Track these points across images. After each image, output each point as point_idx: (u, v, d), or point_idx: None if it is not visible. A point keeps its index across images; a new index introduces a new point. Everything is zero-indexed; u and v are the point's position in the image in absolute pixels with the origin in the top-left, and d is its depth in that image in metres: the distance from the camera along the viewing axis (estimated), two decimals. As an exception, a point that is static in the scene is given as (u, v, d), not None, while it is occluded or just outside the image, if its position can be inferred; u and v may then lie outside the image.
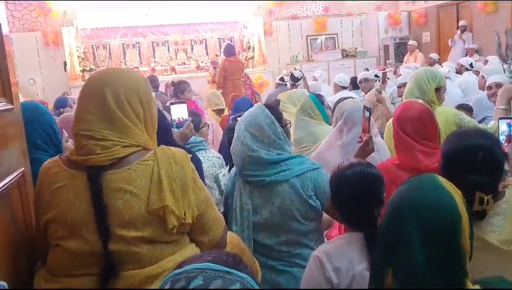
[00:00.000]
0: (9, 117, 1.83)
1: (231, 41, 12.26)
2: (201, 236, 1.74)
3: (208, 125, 3.93)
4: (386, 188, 1.95)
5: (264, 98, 8.55)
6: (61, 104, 6.50)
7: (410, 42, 12.13)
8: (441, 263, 1.19)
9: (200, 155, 3.12)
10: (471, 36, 11.34)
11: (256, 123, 2.40)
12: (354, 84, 7.82)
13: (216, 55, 12.37)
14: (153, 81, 7.96)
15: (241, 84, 9.09)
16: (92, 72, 2.08)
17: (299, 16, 13.62)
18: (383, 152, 2.89)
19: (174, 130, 2.92)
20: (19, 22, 11.37)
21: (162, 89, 8.42)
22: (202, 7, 11.80)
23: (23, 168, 1.86)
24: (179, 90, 6.38)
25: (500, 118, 2.66)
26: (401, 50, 12.96)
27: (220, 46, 12.65)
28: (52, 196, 1.59)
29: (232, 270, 0.99)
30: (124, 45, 12.16)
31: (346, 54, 13.45)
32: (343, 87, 7.37)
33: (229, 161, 2.81)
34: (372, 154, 2.73)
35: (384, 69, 11.23)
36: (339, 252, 1.86)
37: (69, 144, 2.58)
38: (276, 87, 8.86)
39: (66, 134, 2.64)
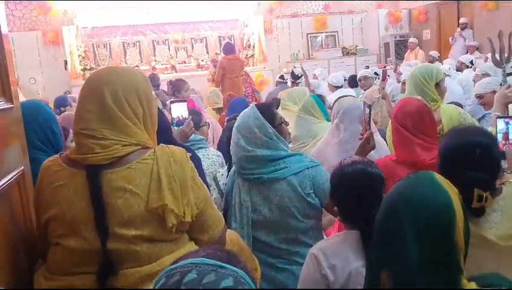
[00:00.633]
0: (8, 116, 1.83)
1: (231, 39, 12.26)
2: (200, 234, 1.74)
3: (208, 123, 3.93)
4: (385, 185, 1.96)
5: (265, 96, 8.56)
6: (61, 103, 6.52)
7: (411, 40, 12.12)
8: (434, 260, 1.19)
9: (200, 153, 3.13)
10: (472, 33, 11.33)
11: (246, 126, 2.43)
12: (353, 82, 7.84)
13: (216, 54, 12.37)
14: (154, 80, 7.96)
15: (240, 83, 9.07)
16: (93, 71, 2.09)
17: (300, 14, 13.61)
18: (381, 149, 2.90)
19: (174, 129, 2.92)
20: (20, 21, 11.39)
21: (163, 87, 8.41)
22: (202, 5, 11.80)
23: (22, 167, 1.87)
24: (176, 89, 6.38)
25: (498, 117, 2.66)
26: (401, 48, 12.96)
27: (221, 44, 12.63)
28: (52, 195, 1.60)
29: (225, 265, 1.01)
30: (125, 44, 12.17)
31: (346, 52, 13.43)
32: (337, 87, 7.39)
33: (228, 159, 2.82)
34: (374, 151, 2.75)
35: (385, 67, 11.26)
36: (335, 249, 1.87)
37: (73, 143, 2.59)
38: (276, 85, 8.87)
39: (72, 134, 2.65)
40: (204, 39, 12.72)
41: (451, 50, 11.40)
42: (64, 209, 1.56)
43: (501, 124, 2.58)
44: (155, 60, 12.20)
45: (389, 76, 7.55)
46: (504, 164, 2.33)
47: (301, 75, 8.00)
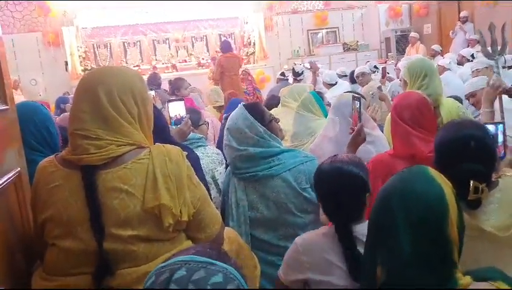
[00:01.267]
0: (4, 117, 1.83)
1: (231, 37, 12.26)
2: (198, 233, 1.74)
3: (207, 122, 3.92)
4: (382, 180, 1.95)
5: (266, 94, 8.55)
6: (63, 103, 6.53)
7: (412, 34, 12.08)
8: (427, 254, 1.19)
9: (199, 152, 3.12)
10: (473, 27, 11.29)
11: (236, 127, 2.45)
12: (352, 78, 7.84)
13: (217, 52, 12.34)
14: (155, 79, 7.96)
15: (239, 80, 9.06)
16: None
17: (300, 10, 13.59)
18: (380, 144, 2.88)
19: (172, 128, 2.92)
20: (20, 23, 11.39)
21: (164, 86, 8.40)
22: (202, 4, 11.80)
23: (19, 168, 1.87)
24: (175, 88, 6.39)
25: (485, 124, 2.65)
26: (402, 42, 12.92)
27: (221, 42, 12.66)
28: (49, 195, 1.60)
29: (215, 261, 1.01)
30: (125, 44, 12.17)
31: (347, 48, 13.41)
32: (331, 84, 7.38)
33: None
34: (368, 146, 2.74)
35: (385, 62, 11.24)
36: (314, 239, 1.94)
37: None
38: (277, 83, 8.86)
39: None
40: (204, 37, 12.72)
41: (452, 44, 11.36)
42: (60, 210, 1.56)
43: (491, 128, 2.57)
44: (156, 60, 12.20)
45: (388, 73, 7.55)
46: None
47: (302, 72, 7.98)
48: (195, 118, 3.30)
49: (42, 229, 1.64)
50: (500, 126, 2.53)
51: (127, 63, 11.90)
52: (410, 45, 11.98)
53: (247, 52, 12.46)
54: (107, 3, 11.31)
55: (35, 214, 1.68)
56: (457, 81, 6.44)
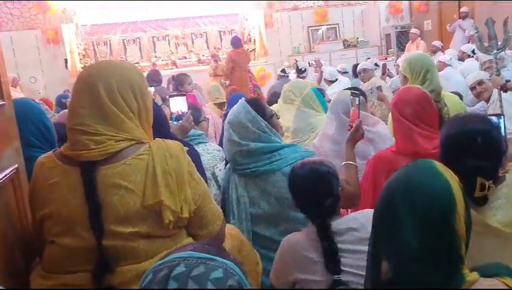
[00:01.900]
0: (0, 114, 1.81)
1: (231, 34, 12.22)
2: (199, 230, 1.72)
3: (208, 119, 3.90)
4: (385, 177, 1.95)
5: (266, 91, 8.54)
6: (64, 98, 6.52)
7: (412, 30, 12.03)
8: (434, 249, 1.16)
9: (200, 148, 3.10)
10: (473, 23, 11.25)
11: (238, 121, 2.45)
12: (355, 72, 7.86)
13: (216, 48, 12.35)
14: (156, 76, 7.94)
15: (247, 76, 9.09)
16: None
17: (300, 7, 13.55)
18: (380, 141, 2.86)
19: (173, 123, 2.89)
20: (18, 20, 11.34)
21: (163, 84, 8.39)
22: (202, 0, 11.75)
23: (16, 165, 1.85)
24: (179, 83, 6.36)
25: (489, 115, 2.64)
26: (403, 39, 12.87)
27: (221, 39, 12.64)
28: (47, 192, 1.58)
29: (214, 257, 1.00)
30: (125, 41, 12.13)
31: (347, 44, 13.36)
32: (331, 81, 7.39)
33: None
34: (367, 144, 2.73)
35: (386, 58, 11.21)
36: (297, 239, 1.98)
37: None
38: (278, 79, 8.85)
39: None
40: (204, 34, 12.68)
41: (452, 40, 11.32)
42: (59, 207, 1.54)
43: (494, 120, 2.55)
44: (155, 56, 12.16)
45: (388, 69, 7.53)
46: None
47: (305, 69, 7.96)
48: (195, 114, 3.28)
49: (41, 226, 1.62)
50: (502, 119, 2.51)
51: (126, 60, 11.83)
52: (410, 41, 11.94)
53: (248, 49, 12.42)
54: (106, 1, 11.26)
55: (33, 210, 1.66)
56: (458, 77, 6.43)
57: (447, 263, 1.16)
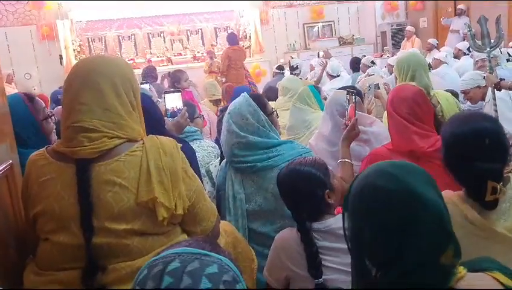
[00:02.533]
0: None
1: (226, 31, 12.20)
2: (193, 227, 1.72)
3: (203, 116, 3.89)
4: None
5: (262, 88, 8.53)
6: (58, 97, 6.48)
7: (408, 28, 12.03)
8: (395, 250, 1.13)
9: (195, 145, 3.09)
10: (469, 20, 11.26)
11: (239, 112, 2.45)
12: (355, 65, 7.89)
13: (212, 45, 12.32)
14: (152, 72, 7.94)
15: (243, 73, 9.08)
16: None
17: (296, 4, 13.53)
18: (376, 142, 2.84)
19: (168, 120, 2.88)
20: (13, 16, 11.28)
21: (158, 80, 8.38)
22: (197, -3, 11.75)
23: (11, 161, 1.84)
24: (175, 80, 6.36)
25: None
26: (398, 36, 12.86)
27: (216, 36, 12.61)
28: (40, 189, 1.57)
29: (209, 253, 1.00)
30: (120, 37, 12.10)
31: (343, 42, 13.36)
32: (333, 76, 7.38)
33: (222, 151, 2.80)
34: (362, 144, 2.73)
35: (381, 56, 11.22)
36: (289, 235, 1.99)
37: None
38: (273, 76, 8.84)
39: None
40: (199, 31, 12.65)
41: (447, 38, 11.33)
42: (53, 204, 1.54)
43: None
44: (151, 53, 12.13)
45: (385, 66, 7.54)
46: None
47: (297, 66, 7.96)
48: (190, 111, 3.27)
49: (34, 224, 1.61)
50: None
51: (122, 56, 11.81)
52: (406, 38, 11.94)
53: (243, 46, 12.39)
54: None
55: (26, 208, 1.66)
56: (453, 74, 6.42)
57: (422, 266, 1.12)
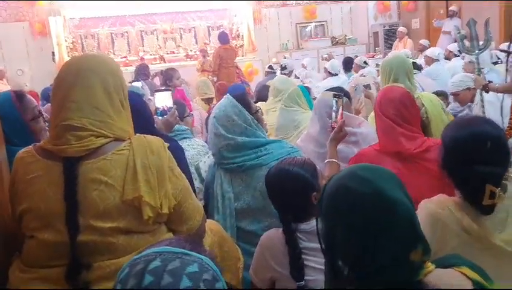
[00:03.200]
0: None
1: (220, 29, 12.20)
2: (179, 226, 1.73)
3: (192, 114, 3.90)
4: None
5: (254, 86, 8.54)
6: (49, 95, 6.44)
7: (400, 29, 12.09)
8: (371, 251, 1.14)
9: (185, 143, 3.10)
10: (460, 22, 11.31)
11: (225, 115, 2.46)
12: (347, 65, 7.93)
13: (205, 44, 12.32)
14: (145, 70, 7.94)
15: (234, 72, 9.10)
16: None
17: (289, 4, 13.55)
18: (365, 143, 2.86)
19: (158, 118, 2.89)
20: (6, 12, 11.23)
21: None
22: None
23: (-2, 159, 1.84)
24: (167, 78, 6.37)
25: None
26: (390, 37, 12.90)
27: (209, 34, 12.62)
28: (27, 187, 1.58)
29: (189, 252, 1.01)
30: (113, 34, 12.08)
31: (335, 42, 13.40)
32: (330, 73, 7.42)
33: (212, 149, 2.81)
34: (351, 146, 2.75)
35: (373, 57, 11.26)
36: (275, 235, 1.99)
37: None
38: (265, 76, 8.86)
39: None
40: (192, 29, 12.65)
41: (439, 39, 11.38)
42: (38, 201, 1.54)
43: None
44: (143, 51, 12.12)
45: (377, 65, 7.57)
46: None
47: (286, 66, 7.98)
48: (180, 110, 3.28)
49: (20, 221, 1.62)
50: None
51: (114, 54, 11.80)
52: (398, 39, 11.99)
53: (236, 45, 12.41)
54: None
55: (13, 205, 1.66)
56: (445, 74, 6.45)
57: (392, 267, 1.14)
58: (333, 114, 2.65)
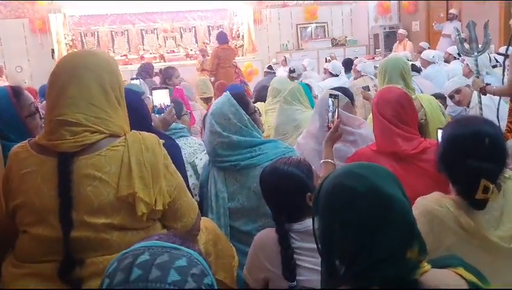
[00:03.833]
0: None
1: (220, 29, 12.21)
2: (174, 223, 1.73)
3: (189, 112, 3.90)
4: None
5: (253, 86, 8.54)
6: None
7: (400, 31, 12.10)
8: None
9: (181, 142, 3.10)
10: (460, 25, 11.32)
11: (221, 112, 2.46)
12: (348, 66, 7.94)
13: (205, 43, 12.32)
14: (149, 69, 7.94)
15: (232, 72, 9.09)
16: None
17: (289, 4, 13.56)
18: (363, 144, 2.85)
19: (155, 116, 2.89)
20: (5, 9, 11.23)
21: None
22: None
23: (-8, 154, 1.84)
24: (166, 76, 6.37)
25: (439, 128, 2.66)
26: (390, 39, 12.91)
27: (210, 34, 12.63)
28: (20, 182, 1.58)
29: (179, 247, 1.02)
30: (113, 33, 12.08)
31: (336, 43, 13.42)
32: (333, 75, 7.43)
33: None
34: (349, 145, 2.75)
35: (373, 58, 11.26)
36: (269, 235, 1.99)
37: None
38: (265, 76, 8.87)
39: None
40: (193, 29, 12.67)
41: (439, 42, 11.38)
42: (33, 197, 1.54)
43: None
44: (143, 49, 12.12)
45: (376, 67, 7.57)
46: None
47: (294, 70, 7.99)
48: (177, 108, 3.28)
49: (14, 216, 1.62)
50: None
51: (114, 52, 11.80)
52: (398, 41, 12.00)
53: (236, 45, 12.41)
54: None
55: (6, 200, 1.66)
56: (442, 76, 6.46)
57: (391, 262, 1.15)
58: (329, 114, 2.65)
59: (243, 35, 12.65)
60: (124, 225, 1.57)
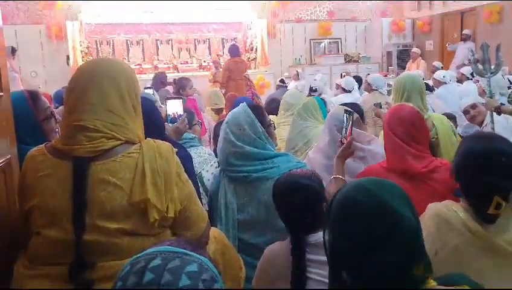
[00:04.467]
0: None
1: (234, 42, 12.29)
2: (184, 231, 1.74)
3: (200, 122, 3.92)
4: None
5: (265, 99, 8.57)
6: (61, 98, 6.49)
7: (414, 50, 12.12)
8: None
9: (192, 152, 3.11)
10: (474, 46, 11.32)
11: (237, 122, 2.47)
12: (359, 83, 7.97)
13: (218, 55, 12.40)
14: (162, 78, 8.05)
15: (243, 85, 9.12)
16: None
17: (304, 20, 13.63)
18: (373, 160, 2.85)
19: (168, 125, 2.92)
20: (24, 15, 11.39)
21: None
22: (207, 7, 11.86)
23: (9, 156, 1.87)
24: (180, 87, 6.44)
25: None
26: (403, 57, 12.95)
27: (223, 46, 12.72)
28: (36, 184, 1.60)
29: (190, 252, 1.04)
30: (128, 42, 12.21)
31: (349, 59, 13.46)
32: (344, 89, 7.43)
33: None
34: (358, 161, 2.75)
35: (386, 76, 11.27)
36: (279, 249, 2.00)
37: None
38: (276, 89, 8.90)
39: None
40: (207, 40, 12.78)
41: (452, 62, 11.38)
42: (47, 199, 1.57)
43: None
44: (158, 59, 12.23)
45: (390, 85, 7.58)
46: None
47: (316, 89, 8.03)
48: (188, 118, 3.31)
49: (28, 218, 1.64)
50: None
51: (129, 61, 11.90)
52: (411, 60, 12.01)
53: (249, 58, 12.50)
54: (112, 1, 11.31)
55: (21, 202, 1.68)
56: (454, 96, 6.45)
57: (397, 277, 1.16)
58: (343, 130, 2.65)
59: (256, 48, 12.72)
60: (135, 230, 1.58)
